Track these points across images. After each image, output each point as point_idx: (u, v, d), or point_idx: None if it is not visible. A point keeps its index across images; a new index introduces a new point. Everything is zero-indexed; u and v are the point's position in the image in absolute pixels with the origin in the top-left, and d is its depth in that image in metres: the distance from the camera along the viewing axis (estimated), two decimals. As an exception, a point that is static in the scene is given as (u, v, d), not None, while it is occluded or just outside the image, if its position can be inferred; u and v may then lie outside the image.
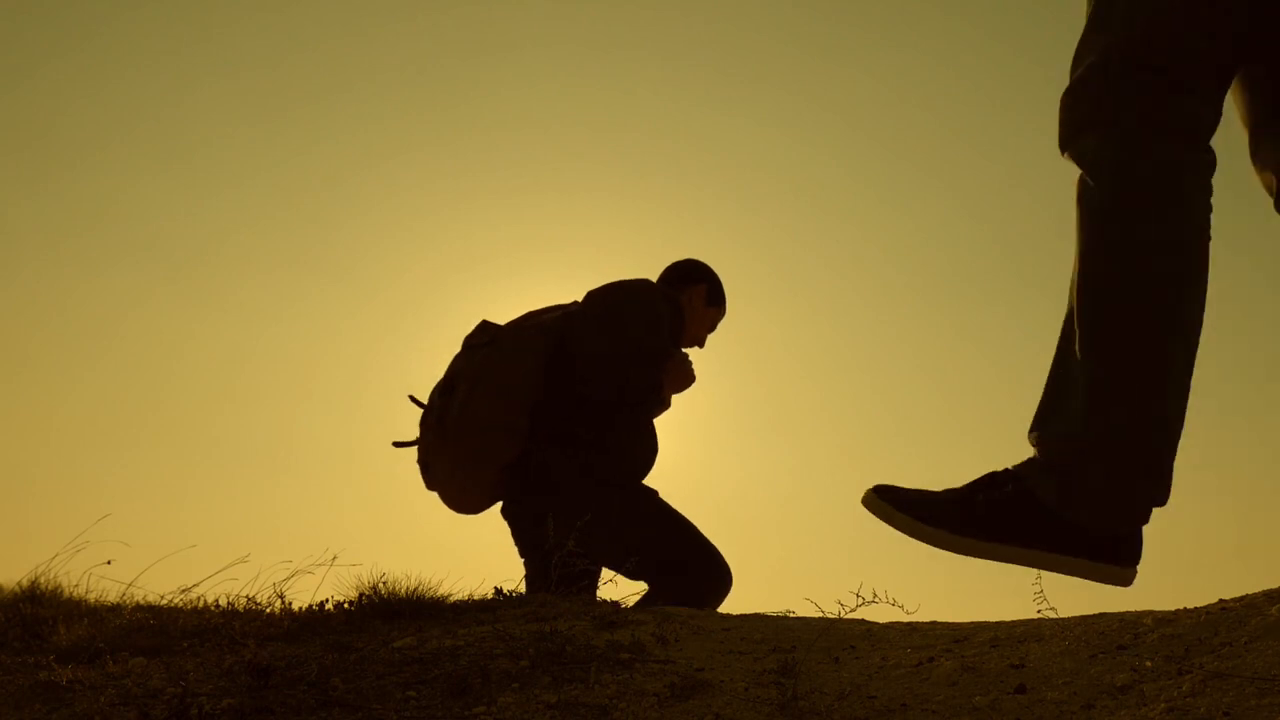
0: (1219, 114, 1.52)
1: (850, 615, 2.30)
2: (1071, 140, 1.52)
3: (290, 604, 2.35)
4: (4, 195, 8.73)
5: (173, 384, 8.71)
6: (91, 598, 2.46)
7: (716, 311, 3.47)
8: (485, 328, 3.23)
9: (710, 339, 3.48)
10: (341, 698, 1.67)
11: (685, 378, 3.31)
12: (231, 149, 8.76)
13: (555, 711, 1.59)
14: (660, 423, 3.29)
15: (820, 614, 2.31)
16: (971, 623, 2.13)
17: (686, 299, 3.39)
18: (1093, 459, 1.45)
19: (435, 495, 3.13)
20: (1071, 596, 2.17)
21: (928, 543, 1.60)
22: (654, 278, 3.42)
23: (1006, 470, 1.57)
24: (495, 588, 2.59)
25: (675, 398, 3.33)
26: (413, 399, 3.18)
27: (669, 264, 3.50)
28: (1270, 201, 1.58)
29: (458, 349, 3.23)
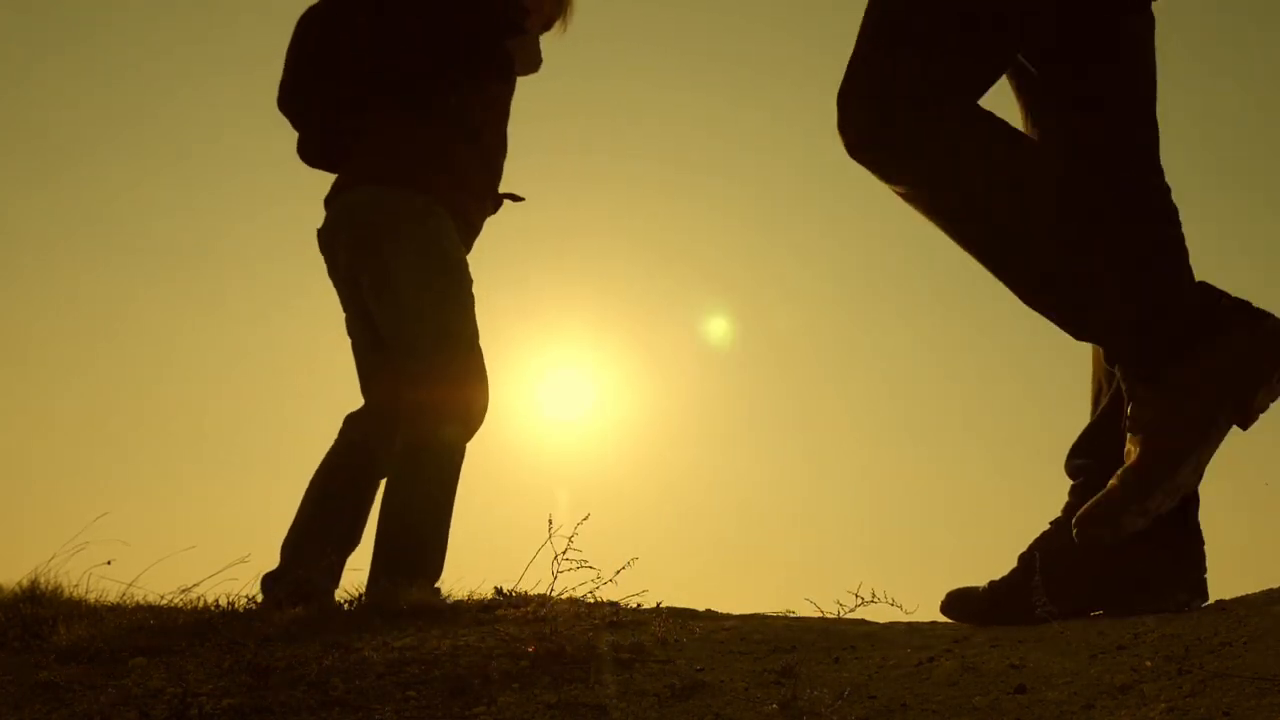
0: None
1: (850, 615, 2.31)
2: None
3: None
4: (4, 195, 8.73)
5: (172, 383, 8.71)
6: (91, 598, 2.46)
7: None
8: None
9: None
10: (341, 698, 1.67)
11: (531, 57, 3.01)
12: (231, 149, 8.76)
13: (555, 711, 1.59)
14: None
15: (820, 614, 2.32)
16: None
17: None
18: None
19: None
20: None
21: None
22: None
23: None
24: (495, 588, 2.59)
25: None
26: None
27: None
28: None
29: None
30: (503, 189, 3.09)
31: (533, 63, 3.02)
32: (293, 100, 3.00)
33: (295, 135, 3.05)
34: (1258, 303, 1.93)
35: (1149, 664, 1.58)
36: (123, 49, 8.75)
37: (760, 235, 9.59)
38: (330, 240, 2.94)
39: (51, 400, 8.56)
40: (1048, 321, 1.94)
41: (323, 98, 2.98)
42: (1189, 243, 1.97)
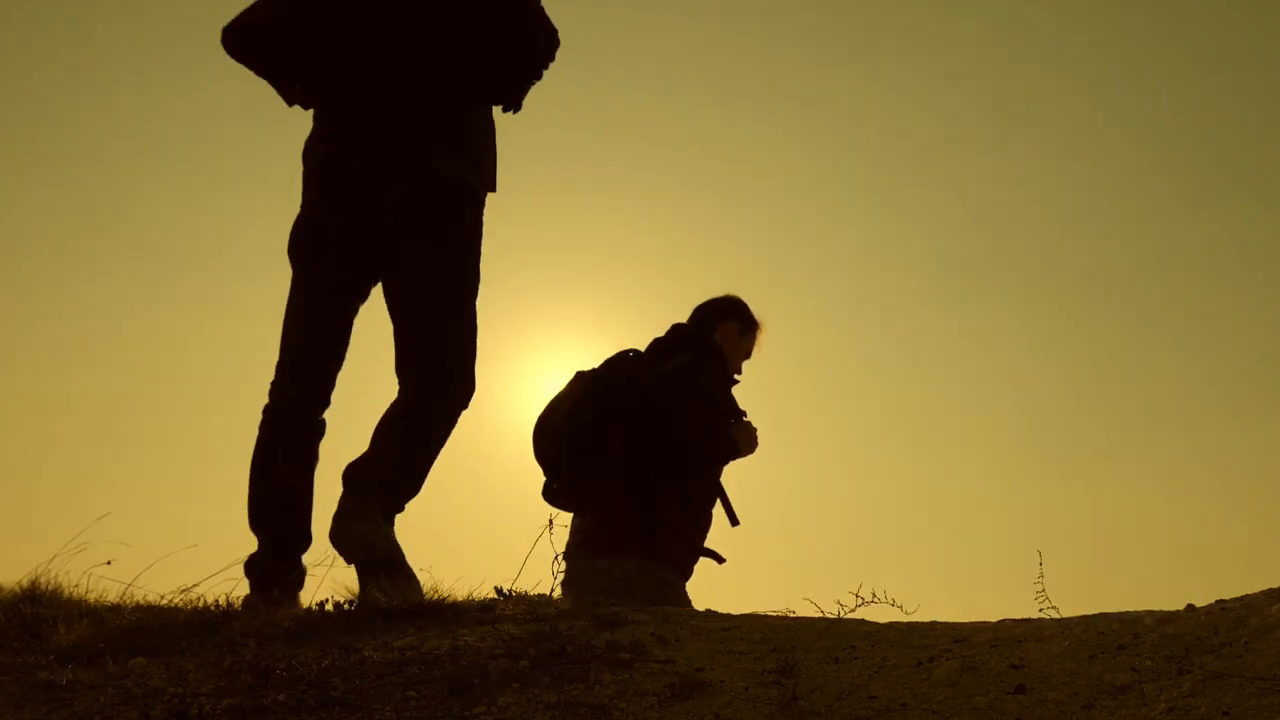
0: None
1: (850, 615, 2.30)
2: None
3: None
4: (4, 195, 8.74)
5: (173, 384, 8.71)
6: (91, 598, 2.45)
7: (750, 339, 3.63)
8: None
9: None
10: (341, 698, 1.67)
11: (749, 440, 3.41)
12: (231, 149, 8.76)
13: (555, 711, 1.59)
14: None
15: (820, 614, 2.31)
16: (971, 623, 2.12)
17: (721, 336, 3.54)
18: None
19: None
20: (1071, 596, 2.17)
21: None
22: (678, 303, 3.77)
23: None
24: (495, 588, 2.59)
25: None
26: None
27: (700, 304, 3.69)
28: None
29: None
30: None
31: (751, 445, 3.41)
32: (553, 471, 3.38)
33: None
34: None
35: (1149, 664, 1.58)
36: (123, 49, 8.75)
37: (762, 237, 9.60)
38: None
39: (52, 401, 8.57)
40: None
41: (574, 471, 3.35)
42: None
